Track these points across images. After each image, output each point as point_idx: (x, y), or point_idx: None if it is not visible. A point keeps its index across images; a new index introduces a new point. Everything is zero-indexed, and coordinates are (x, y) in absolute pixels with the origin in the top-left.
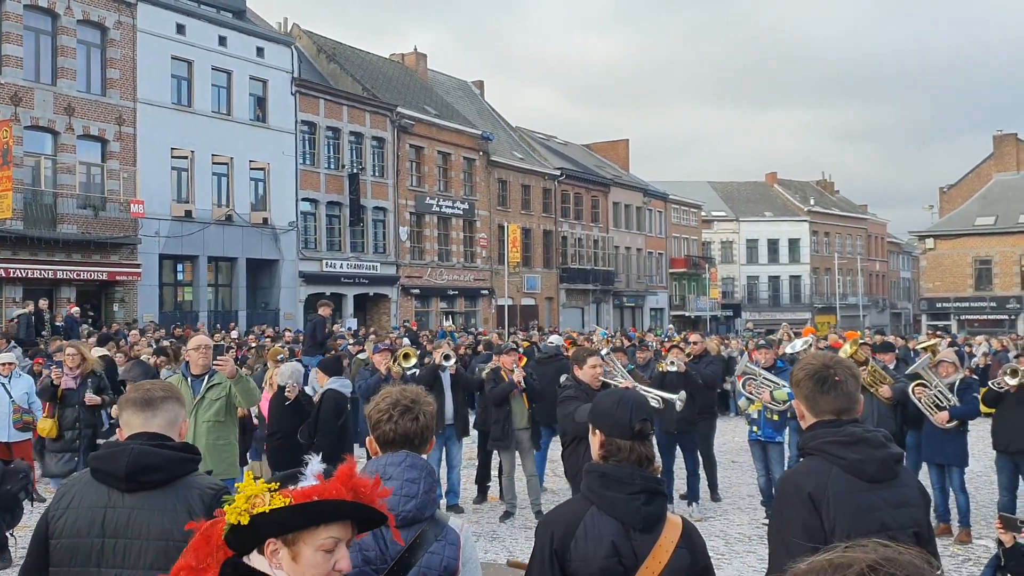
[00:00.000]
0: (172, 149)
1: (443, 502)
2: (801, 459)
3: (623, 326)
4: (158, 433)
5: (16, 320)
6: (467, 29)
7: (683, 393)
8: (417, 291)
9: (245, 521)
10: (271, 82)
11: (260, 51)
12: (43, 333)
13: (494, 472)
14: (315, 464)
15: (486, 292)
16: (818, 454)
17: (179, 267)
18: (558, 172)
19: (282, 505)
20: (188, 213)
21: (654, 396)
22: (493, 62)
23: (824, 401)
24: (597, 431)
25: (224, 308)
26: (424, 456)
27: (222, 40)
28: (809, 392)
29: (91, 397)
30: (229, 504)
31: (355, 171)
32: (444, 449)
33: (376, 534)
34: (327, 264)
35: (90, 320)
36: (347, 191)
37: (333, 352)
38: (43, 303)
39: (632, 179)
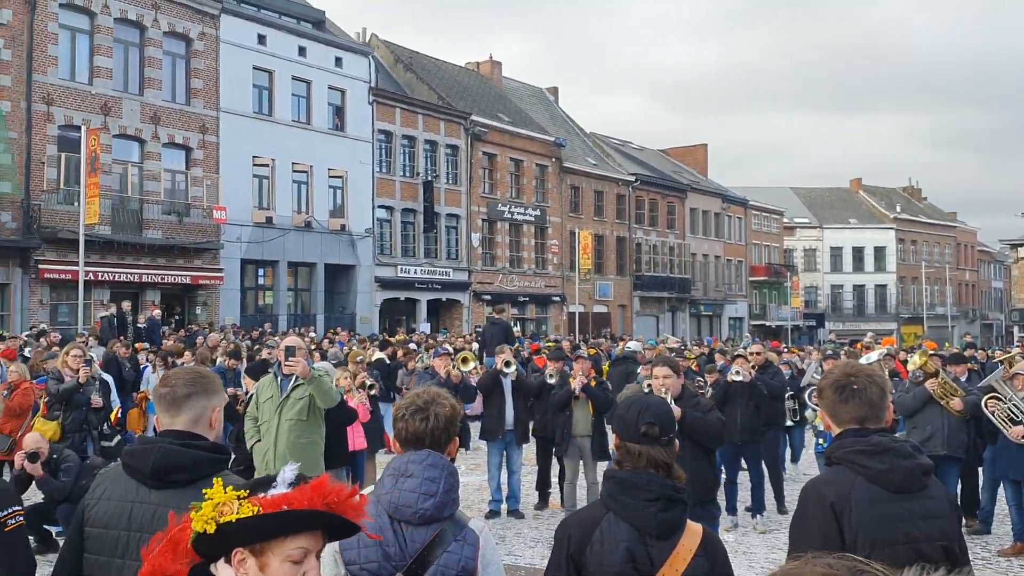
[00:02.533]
0: (253, 157)
1: (504, 507)
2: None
3: (700, 335)
4: (186, 431)
5: (101, 322)
6: (545, 37)
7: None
8: (488, 297)
9: (211, 529)
10: (349, 91)
11: (339, 61)
12: (125, 335)
13: (554, 478)
14: (288, 471)
15: (557, 299)
16: (843, 463)
17: (260, 272)
18: (632, 178)
19: (250, 514)
20: (269, 219)
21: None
22: (569, 69)
23: (845, 410)
24: (615, 435)
25: (303, 312)
26: (448, 457)
27: (302, 50)
28: (830, 401)
29: (96, 400)
30: (196, 511)
31: (429, 179)
32: (505, 454)
33: (396, 531)
34: (401, 270)
35: (173, 323)
36: (421, 198)
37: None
38: (126, 305)
39: (710, 185)
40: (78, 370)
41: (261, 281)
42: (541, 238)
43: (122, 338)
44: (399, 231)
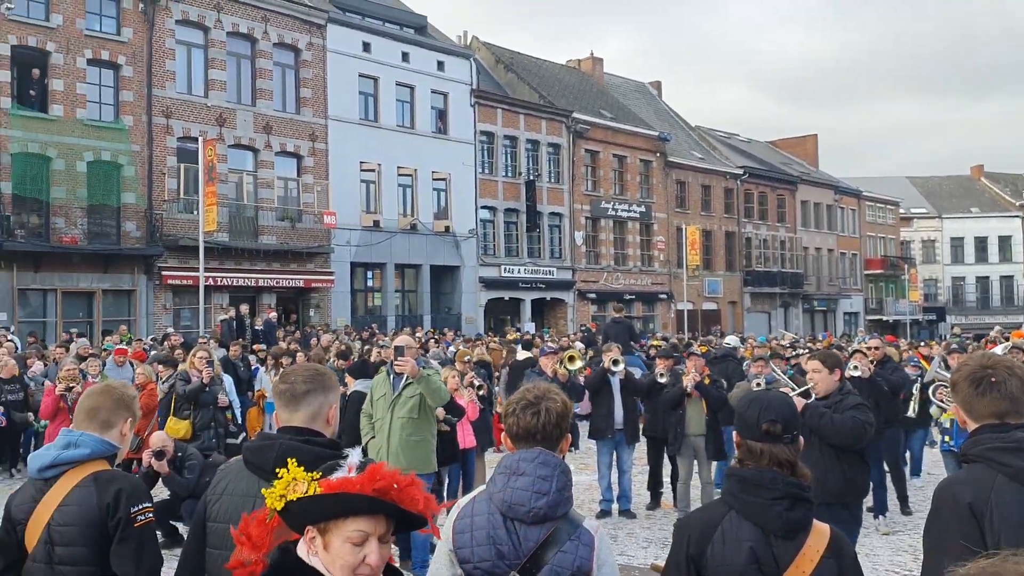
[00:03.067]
0: (361, 162)
1: (615, 507)
2: (962, 467)
3: (813, 331)
4: (304, 427)
5: (221, 324)
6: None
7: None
8: (594, 295)
9: (279, 507)
10: (451, 94)
11: (441, 65)
12: (243, 337)
13: (666, 478)
14: (354, 456)
15: (664, 296)
16: (981, 461)
17: (368, 274)
18: (740, 171)
19: (310, 494)
20: (376, 223)
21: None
22: (673, 63)
23: (982, 404)
24: (735, 433)
25: (410, 313)
26: (559, 455)
27: (405, 56)
28: (966, 395)
29: (223, 399)
30: (268, 490)
31: (532, 178)
32: (615, 454)
33: (510, 529)
34: (505, 269)
35: (295, 326)
36: (524, 198)
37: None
38: (244, 308)
39: (822, 176)
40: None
41: (370, 283)
42: (647, 235)
43: (241, 340)
44: (502, 231)
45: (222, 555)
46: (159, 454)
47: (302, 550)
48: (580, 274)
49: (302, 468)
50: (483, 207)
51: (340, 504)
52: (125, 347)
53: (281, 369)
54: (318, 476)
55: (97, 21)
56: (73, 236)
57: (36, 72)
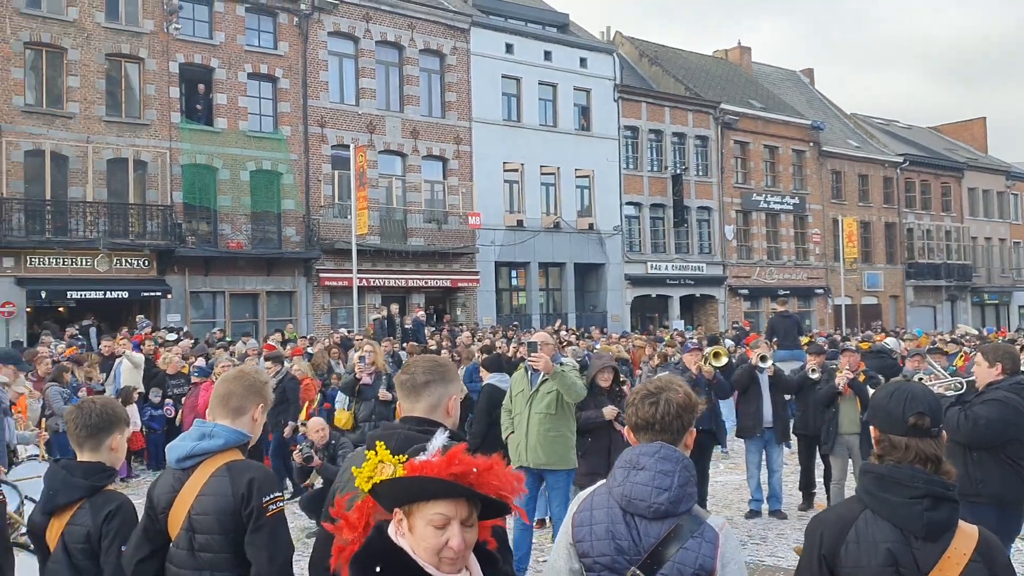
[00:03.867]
0: (504, 163)
1: (765, 507)
2: None
3: (984, 325)
4: (424, 418)
5: (373, 324)
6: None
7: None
8: (746, 291)
9: (366, 488)
10: (594, 91)
11: (583, 62)
12: (394, 335)
13: (819, 478)
14: (437, 439)
15: (821, 291)
16: None
17: (513, 273)
18: (900, 159)
19: (393, 477)
20: (520, 222)
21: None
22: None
23: None
24: (872, 427)
25: (555, 311)
26: (683, 449)
27: (547, 55)
28: None
29: (384, 393)
30: (357, 470)
31: (678, 172)
32: (764, 452)
33: (630, 524)
34: (652, 266)
35: (446, 324)
36: (670, 192)
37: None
38: (394, 308)
39: (991, 161)
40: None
41: (514, 282)
42: (801, 227)
43: (391, 338)
44: (648, 227)
45: None
46: (308, 458)
47: (392, 530)
48: (731, 269)
49: (387, 451)
50: (628, 203)
51: (419, 487)
52: (272, 343)
53: None
54: (404, 459)
55: (256, 37)
56: (239, 241)
57: (202, 87)
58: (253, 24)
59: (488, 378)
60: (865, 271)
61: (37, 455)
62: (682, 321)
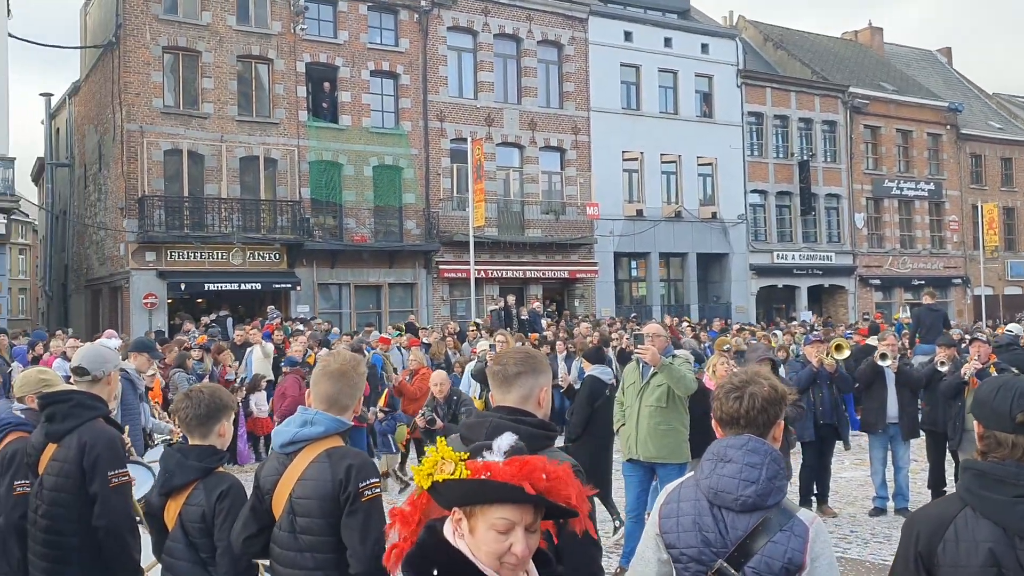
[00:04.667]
0: (623, 152)
1: (891, 504)
2: None
3: None
4: (516, 408)
5: (490, 315)
6: None
7: None
8: (877, 281)
9: (426, 485)
10: (716, 77)
11: (704, 47)
12: (511, 326)
13: (950, 476)
14: (505, 440)
15: (959, 281)
16: None
17: (632, 264)
18: None
19: (456, 477)
20: (639, 212)
21: None
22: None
23: None
24: (977, 422)
25: (677, 302)
26: (773, 443)
27: (667, 42)
28: None
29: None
30: (416, 467)
31: (805, 158)
32: (889, 449)
33: (717, 517)
34: (778, 256)
35: (554, 314)
36: (797, 180)
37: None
38: (511, 299)
39: None
40: None
41: (634, 273)
42: (937, 214)
43: (507, 329)
44: (774, 215)
45: None
46: (431, 420)
47: (448, 530)
48: (861, 259)
49: (451, 448)
50: (753, 191)
51: (485, 490)
52: (387, 336)
53: None
54: (466, 457)
55: (378, 34)
56: (362, 235)
57: (327, 85)
58: (375, 22)
59: (591, 370)
60: (1008, 259)
61: (170, 439)
62: (810, 312)
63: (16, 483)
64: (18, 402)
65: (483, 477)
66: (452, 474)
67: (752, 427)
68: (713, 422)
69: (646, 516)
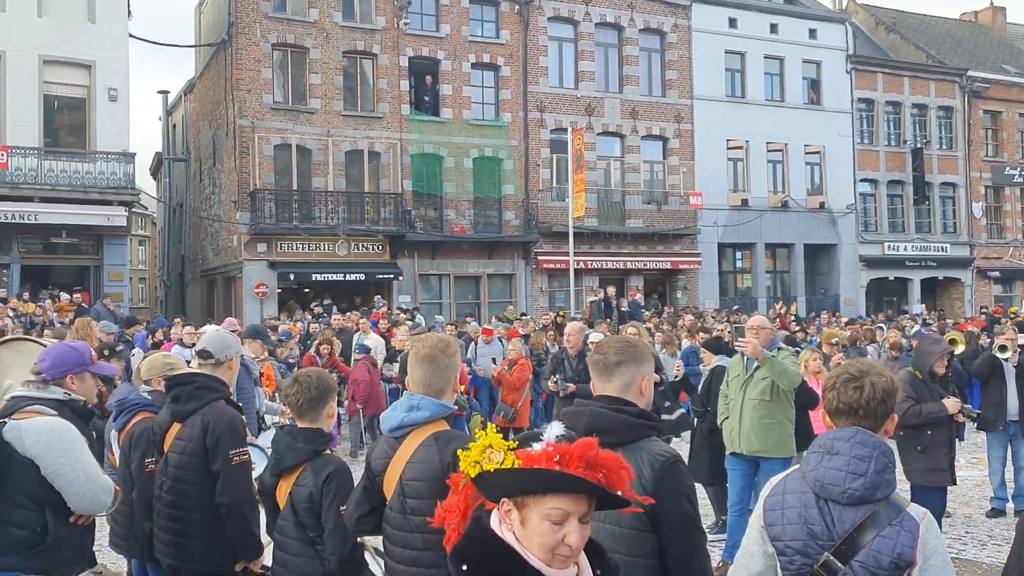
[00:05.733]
0: (727, 140)
1: (1010, 506)
2: None
3: None
4: (616, 397)
5: (591, 306)
6: None
7: None
8: (996, 274)
9: (474, 473)
10: (824, 63)
11: (812, 33)
12: (611, 318)
13: None
14: (554, 428)
15: None
16: None
17: (737, 255)
18: None
19: (508, 466)
20: (744, 202)
21: None
22: None
23: None
24: None
25: (783, 294)
26: (883, 436)
27: (773, 27)
28: None
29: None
30: (464, 453)
31: (919, 146)
32: (1009, 447)
33: (823, 510)
34: (889, 247)
35: (656, 306)
36: (910, 168)
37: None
38: (611, 290)
39: None
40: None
41: (739, 264)
42: None
43: (608, 320)
44: (885, 205)
45: None
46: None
47: (495, 521)
48: (979, 250)
49: (500, 435)
50: (863, 180)
51: (541, 480)
52: (490, 327)
53: None
54: (515, 445)
55: (479, 27)
56: (462, 226)
57: (429, 79)
58: (476, 15)
59: (715, 360)
60: None
61: (279, 421)
62: (922, 306)
63: (146, 460)
64: (145, 384)
65: (538, 466)
66: (502, 463)
67: (870, 418)
68: (820, 412)
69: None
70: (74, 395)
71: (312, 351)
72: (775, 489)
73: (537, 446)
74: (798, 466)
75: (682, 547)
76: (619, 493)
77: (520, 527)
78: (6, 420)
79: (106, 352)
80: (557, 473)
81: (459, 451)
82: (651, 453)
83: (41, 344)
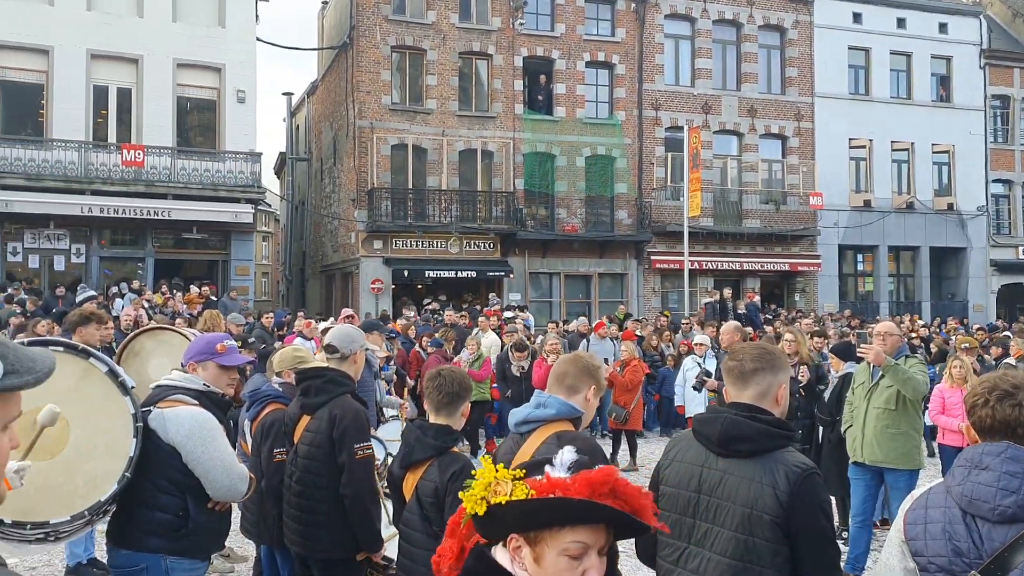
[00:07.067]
0: (850, 139)
1: None
2: None
3: None
4: (752, 404)
5: (705, 307)
6: None
7: None
8: None
9: (481, 511)
10: (955, 58)
11: (943, 27)
12: (725, 320)
13: None
14: (567, 454)
15: None
16: None
17: (859, 257)
18: None
19: (521, 498)
20: (867, 203)
21: None
22: None
23: None
24: None
25: (907, 299)
26: None
27: (900, 22)
28: None
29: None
30: (466, 490)
31: None
32: None
33: (970, 526)
34: None
35: (772, 308)
36: None
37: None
38: (727, 292)
39: None
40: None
41: (860, 267)
42: None
43: (720, 322)
44: (1020, 207)
45: (672, 517)
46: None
47: (503, 558)
48: None
49: (502, 465)
50: (995, 180)
51: (561, 510)
52: (603, 322)
53: None
54: (522, 475)
55: (594, 26)
56: (573, 225)
57: (543, 78)
58: (592, 13)
59: (845, 367)
60: None
61: (397, 414)
62: None
63: (276, 450)
64: (276, 376)
65: (558, 496)
66: (511, 495)
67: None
68: (964, 425)
69: (873, 521)
70: (212, 387)
71: (418, 348)
72: (916, 503)
73: (550, 471)
74: (941, 480)
75: (815, 562)
76: (645, 523)
77: (534, 565)
78: (151, 408)
79: (239, 343)
80: (583, 502)
81: (460, 493)
82: (787, 464)
83: (181, 333)
